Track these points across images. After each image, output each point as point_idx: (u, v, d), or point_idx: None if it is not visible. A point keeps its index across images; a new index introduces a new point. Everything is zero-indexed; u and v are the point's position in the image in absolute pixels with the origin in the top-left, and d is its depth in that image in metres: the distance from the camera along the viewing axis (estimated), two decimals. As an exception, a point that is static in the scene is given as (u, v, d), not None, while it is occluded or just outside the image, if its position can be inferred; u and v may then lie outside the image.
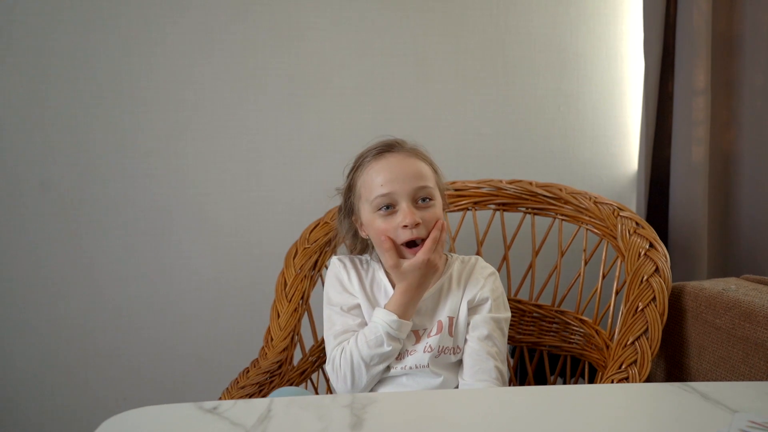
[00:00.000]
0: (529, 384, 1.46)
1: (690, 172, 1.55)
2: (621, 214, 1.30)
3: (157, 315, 1.64)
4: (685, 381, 1.11)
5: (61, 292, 1.60)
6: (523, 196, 1.43)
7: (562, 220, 1.41)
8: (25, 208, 1.57)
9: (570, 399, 0.83)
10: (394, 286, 1.15)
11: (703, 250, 1.57)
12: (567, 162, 1.70)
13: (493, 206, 1.45)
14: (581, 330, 1.38)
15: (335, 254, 1.33)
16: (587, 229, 1.38)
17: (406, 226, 1.09)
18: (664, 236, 1.60)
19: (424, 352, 1.11)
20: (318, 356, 1.32)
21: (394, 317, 1.08)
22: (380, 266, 1.19)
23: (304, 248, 1.33)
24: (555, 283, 1.42)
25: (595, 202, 1.35)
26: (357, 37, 1.61)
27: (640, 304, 1.13)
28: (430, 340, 1.12)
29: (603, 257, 1.35)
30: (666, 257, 1.20)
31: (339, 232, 1.24)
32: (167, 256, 1.62)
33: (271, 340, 1.20)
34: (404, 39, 1.63)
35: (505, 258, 1.45)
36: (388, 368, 1.11)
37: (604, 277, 1.36)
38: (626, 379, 1.02)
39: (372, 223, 1.13)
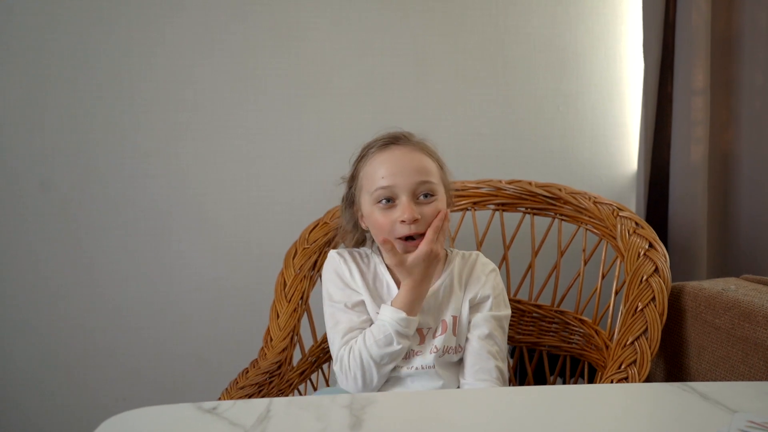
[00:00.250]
0: (528, 384, 1.46)
1: (689, 172, 1.55)
2: (620, 214, 1.30)
3: (156, 315, 1.64)
4: (685, 381, 1.11)
5: (61, 292, 1.60)
6: (523, 196, 1.43)
7: (562, 220, 1.41)
8: (25, 208, 1.57)
9: (569, 399, 0.83)
10: (396, 281, 1.14)
11: (702, 250, 1.57)
12: (566, 162, 1.70)
13: (492, 206, 1.45)
14: (581, 330, 1.38)
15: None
16: (587, 229, 1.38)
17: (404, 221, 1.08)
18: (663, 236, 1.60)
19: (430, 353, 1.10)
20: (317, 356, 1.32)
21: (403, 315, 1.06)
22: (381, 259, 1.18)
23: (304, 248, 1.33)
24: (554, 283, 1.42)
25: (594, 202, 1.35)
26: (357, 37, 1.62)
27: (639, 304, 1.13)
28: (436, 341, 1.11)
29: (602, 257, 1.35)
30: (665, 257, 1.20)
31: (341, 223, 1.23)
32: (167, 256, 1.62)
33: (271, 340, 1.20)
34: (404, 39, 1.63)
35: (504, 258, 1.45)
36: (395, 368, 1.10)
37: (603, 277, 1.36)
38: (626, 379, 1.02)
39: (371, 215, 1.12)
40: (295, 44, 1.60)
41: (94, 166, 1.58)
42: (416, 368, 1.09)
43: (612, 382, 1.02)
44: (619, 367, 1.05)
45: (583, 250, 1.38)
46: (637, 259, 1.20)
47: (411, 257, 1.07)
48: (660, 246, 1.22)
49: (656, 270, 1.17)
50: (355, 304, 1.14)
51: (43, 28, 1.53)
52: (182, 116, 1.59)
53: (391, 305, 1.08)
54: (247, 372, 1.14)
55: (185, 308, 1.64)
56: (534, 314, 1.43)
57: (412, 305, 1.08)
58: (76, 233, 1.59)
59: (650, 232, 1.25)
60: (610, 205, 1.33)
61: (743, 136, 1.58)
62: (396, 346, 1.06)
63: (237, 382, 1.11)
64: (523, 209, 1.44)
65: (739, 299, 1.10)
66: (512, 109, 1.68)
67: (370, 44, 1.62)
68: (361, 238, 1.23)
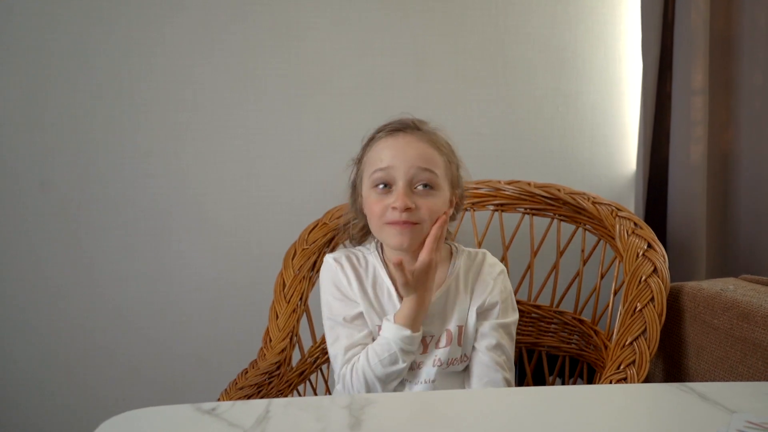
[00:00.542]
0: (527, 384, 1.46)
1: (688, 172, 1.55)
2: (619, 214, 1.30)
3: (156, 315, 1.64)
4: (684, 381, 1.11)
5: (61, 292, 1.61)
6: (522, 196, 1.43)
7: (561, 220, 1.41)
8: (25, 208, 1.57)
9: (568, 399, 0.84)
10: (394, 284, 1.10)
11: (701, 251, 1.57)
12: (565, 162, 1.69)
13: (491, 207, 1.45)
14: (580, 330, 1.38)
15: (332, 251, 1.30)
16: (585, 229, 1.38)
17: (395, 207, 1.03)
18: (662, 236, 1.60)
19: (433, 365, 1.07)
20: (317, 357, 1.32)
21: (408, 332, 1.02)
22: (380, 261, 1.13)
23: (303, 249, 1.33)
24: (553, 284, 1.42)
25: (593, 203, 1.35)
26: (357, 37, 1.61)
27: (638, 304, 1.13)
28: (440, 353, 1.08)
29: (601, 257, 1.35)
30: (664, 257, 1.20)
31: (347, 211, 1.19)
32: (167, 256, 1.63)
33: (270, 341, 1.20)
34: (404, 39, 1.63)
35: (503, 258, 1.45)
36: (402, 383, 1.07)
37: (602, 277, 1.36)
38: (624, 380, 1.02)
39: (367, 199, 1.09)
40: (295, 44, 1.60)
41: (94, 166, 1.58)
42: (421, 382, 1.07)
43: (611, 382, 1.02)
44: (618, 368, 1.05)
45: (582, 251, 1.39)
46: (636, 259, 1.20)
47: (415, 271, 1.02)
48: (659, 246, 1.22)
49: (655, 270, 1.17)
50: (355, 317, 1.10)
51: (43, 28, 1.53)
52: (182, 116, 1.59)
53: (394, 321, 1.04)
54: (247, 373, 1.14)
55: (185, 308, 1.65)
56: (533, 314, 1.43)
57: (415, 319, 1.04)
58: (76, 233, 1.59)
59: (649, 233, 1.25)
60: (609, 205, 1.33)
61: (742, 136, 1.58)
62: (401, 365, 1.03)
63: (236, 383, 1.11)
64: (522, 210, 1.44)
65: (738, 299, 1.10)
66: (512, 109, 1.68)
67: (370, 44, 1.62)
68: (366, 232, 1.18)
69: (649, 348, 1.06)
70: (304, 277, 1.30)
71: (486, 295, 1.11)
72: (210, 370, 1.66)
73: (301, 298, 1.27)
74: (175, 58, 1.57)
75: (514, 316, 1.14)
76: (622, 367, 1.05)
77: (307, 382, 1.29)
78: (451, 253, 1.16)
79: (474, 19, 1.64)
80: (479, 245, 1.45)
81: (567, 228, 1.42)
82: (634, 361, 1.05)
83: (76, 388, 1.64)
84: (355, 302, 1.11)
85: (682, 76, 1.53)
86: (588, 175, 1.70)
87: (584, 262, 1.38)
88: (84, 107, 1.56)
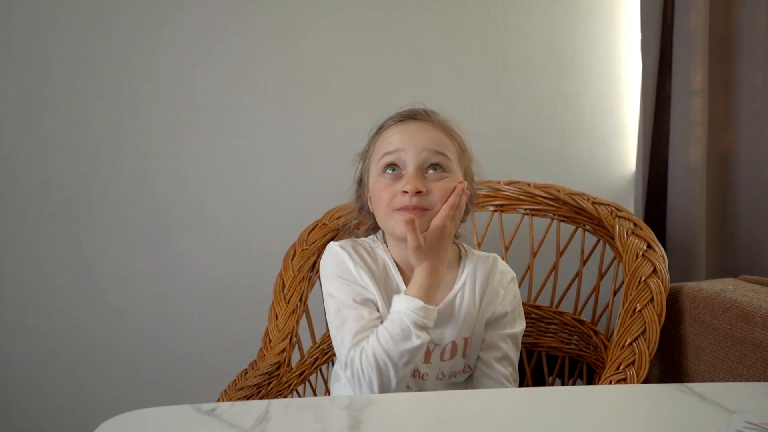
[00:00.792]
0: (527, 385, 1.46)
1: (688, 173, 1.55)
2: (619, 214, 1.30)
3: (156, 315, 1.64)
4: (683, 382, 1.11)
5: (61, 293, 1.61)
6: (521, 197, 1.43)
7: (560, 221, 1.41)
8: (25, 208, 1.57)
9: (568, 400, 0.84)
10: (406, 281, 1.03)
11: (701, 251, 1.57)
12: (565, 162, 1.70)
13: (491, 207, 1.45)
14: (579, 331, 1.38)
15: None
16: (585, 229, 1.38)
17: (406, 191, 0.97)
18: (662, 237, 1.60)
19: (437, 379, 1.04)
20: (316, 358, 1.32)
21: (420, 303, 0.93)
22: (388, 254, 1.06)
23: (303, 249, 1.33)
24: (553, 284, 1.42)
25: (593, 203, 1.35)
26: (357, 37, 1.61)
27: (638, 305, 1.13)
28: (444, 366, 1.04)
29: (601, 258, 1.35)
30: (664, 258, 1.20)
31: (351, 208, 1.14)
32: (166, 257, 1.63)
33: (270, 341, 1.20)
34: (404, 39, 1.63)
35: (503, 259, 1.44)
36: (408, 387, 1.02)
37: (602, 277, 1.36)
38: (624, 380, 1.02)
39: (374, 186, 1.02)
40: (295, 44, 1.60)
41: (94, 166, 1.58)
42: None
43: (610, 383, 1.02)
44: (618, 368, 1.05)
45: (582, 251, 1.39)
46: (636, 259, 1.20)
47: (427, 236, 0.95)
48: (658, 247, 1.22)
49: (654, 271, 1.17)
50: (365, 300, 1.00)
51: (43, 28, 1.53)
52: (182, 116, 1.59)
53: (406, 292, 0.97)
54: (246, 373, 1.14)
55: (185, 308, 1.65)
56: (533, 315, 1.44)
57: (429, 291, 0.95)
58: (76, 233, 1.60)
59: (649, 233, 1.25)
60: (609, 205, 1.33)
61: (742, 137, 1.58)
62: (416, 341, 0.92)
63: (235, 384, 1.11)
64: (522, 210, 1.44)
65: (738, 300, 1.10)
66: (512, 110, 1.68)
67: (370, 44, 1.62)
68: (372, 223, 1.11)
69: (648, 348, 1.06)
70: (303, 277, 1.30)
71: (496, 306, 1.06)
72: (209, 370, 1.66)
73: (300, 299, 1.27)
74: (175, 58, 1.57)
75: (522, 325, 1.10)
76: (621, 367, 1.05)
77: (307, 383, 1.29)
78: (460, 256, 1.10)
79: (474, 19, 1.64)
80: (479, 246, 1.45)
81: (567, 228, 1.42)
82: (633, 362, 1.05)
83: (75, 388, 1.64)
84: (364, 288, 1.02)
85: (681, 77, 1.53)
86: (588, 176, 1.70)
87: (584, 263, 1.38)
88: (84, 107, 1.56)
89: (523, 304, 1.42)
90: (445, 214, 0.97)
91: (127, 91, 1.57)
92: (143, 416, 0.75)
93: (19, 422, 1.64)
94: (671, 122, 1.57)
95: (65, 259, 1.60)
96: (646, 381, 1.02)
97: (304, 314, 1.30)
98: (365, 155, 1.09)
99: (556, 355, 1.43)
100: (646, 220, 1.62)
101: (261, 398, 1.10)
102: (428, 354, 1.02)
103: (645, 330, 1.09)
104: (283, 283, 1.29)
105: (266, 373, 1.13)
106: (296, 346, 1.26)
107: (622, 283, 1.21)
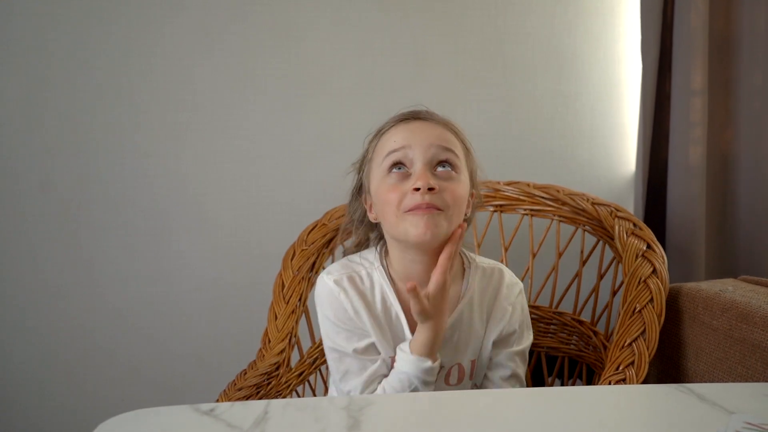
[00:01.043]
0: (526, 385, 1.46)
1: (687, 173, 1.55)
2: (618, 215, 1.30)
3: (156, 315, 1.64)
4: (682, 382, 1.11)
5: (61, 292, 1.61)
6: (521, 197, 1.43)
7: (560, 221, 1.41)
8: (25, 208, 1.57)
9: (567, 400, 0.84)
10: (405, 310, 0.99)
11: (700, 251, 1.57)
12: (565, 163, 1.70)
13: (491, 207, 1.45)
14: (579, 331, 1.38)
15: (330, 262, 1.21)
16: (585, 230, 1.38)
17: (417, 189, 0.90)
18: (661, 237, 1.60)
19: None
20: (315, 358, 1.32)
21: (428, 364, 0.92)
22: (387, 279, 1.01)
23: (302, 250, 1.34)
24: (553, 285, 1.42)
25: (592, 204, 1.35)
26: (357, 37, 1.61)
27: (637, 305, 1.13)
28: (451, 389, 1.01)
29: (600, 258, 1.35)
30: (663, 258, 1.20)
31: (346, 220, 1.09)
32: (166, 257, 1.63)
33: (269, 342, 1.21)
34: (404, 39, 1.63)
35: (503, 259, 1.45)
36: None
37: (601, 278, 1.36)
38: (623, 381, 1.02)
39: (378, 190, 0.95)
40: (295, 44, 1.60)
41: (94, 166, 1.58)
42: None
43: (610, 383, 1.02)
44: (617, 369, 1.05)
45: (582, 252, 1.38)
46: (635, 260, 1.20)
47: (430, 297, 0.91)
48: (658, 247, 1.22)
49: (654, 271, 1.17)
50: (367, 348, 0.98)
51: (43, 28, 1.53)
52: (182, 116, 1.59)
53: (411, 351, 0.93)
54: (245, 373, 1.15)
55: (185, 308, 1.65)
56: (532, 316, 1.42)
57: (434, 348, 0.93)
58: (76, 233, 1.60)
59: (648, 233, 1.25)
60: (608, 206, 1.33)
61: (742, 137, 1.58)
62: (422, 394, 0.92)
63: (235, 384, 1.11)
64: (521, 210, 1.44)
65: (737, 300, 1.10)
66: (512, 110, 1.68)
67: (370, 44, 1.62)
68: (365, 238, 1.07)
69: (648, 349, 1.06)
70: (303, 278, 1.30)
71: (504, 324, 1.02)
72: (209, 370, 1.66)
73: (300, 299, 1.27)
74: (175, 58, 1.57)
75: (529, 339, 1.06)
76: (621, 368, 1.05)
77: (306, 383, 1.29)
78: (464, 267, 1.05)
79: (474, 19, 1.64)
80: (478, 246, 1.45)
81: (566, 229, 1.42)
82: (633, 362, 1.05)
83: (75, 388, 1.64)
84: (364, 332, 0.99)
85: (681, 77, 1.53)
86: (587, 176, 1.70)
87: (583, 263, 1.38)
88: (84, 107, 1.56)
89: (523, 304, 1.43)
90: (444, 267, 0.92)
91: (127, 91, 1.57)
92: (143, 416, 0.75)
93: (19, 422, 1.64)
94: (671, 122, 1.57)
95: (65, 259, 1.60)
96: (645, 381, 1.02)
97: (303, 314, 1.30)
98: (363, 161, 1.03)
99: (556, 355, 1.43)
100: (646, 221, 1.62)
101: (260, 398, 1.10)
102: None
103: (644, 330, 1.09)
104: (283, 283, 1.29)
105: (265, 374, 1.13)
106: (295, 346, 1.26)
107: (622, 283, 1.21)
